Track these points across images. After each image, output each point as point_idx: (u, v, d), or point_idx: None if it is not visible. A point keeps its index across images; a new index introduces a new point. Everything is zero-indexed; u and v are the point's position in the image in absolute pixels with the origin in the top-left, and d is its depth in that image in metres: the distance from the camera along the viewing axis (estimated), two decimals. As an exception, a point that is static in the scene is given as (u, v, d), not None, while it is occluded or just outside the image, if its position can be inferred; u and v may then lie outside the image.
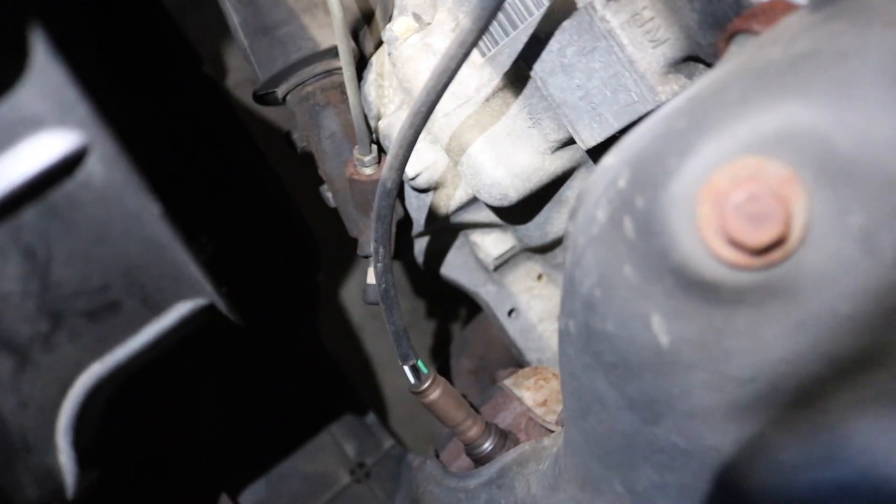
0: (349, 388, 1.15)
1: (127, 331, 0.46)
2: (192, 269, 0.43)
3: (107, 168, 0.38)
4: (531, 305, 0.94)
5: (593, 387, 0.48)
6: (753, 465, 0.43)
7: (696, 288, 0.38)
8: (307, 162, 1.00)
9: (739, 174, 0.35)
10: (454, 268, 0.95)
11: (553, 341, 0.95)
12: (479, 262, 0.92)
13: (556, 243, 0.87)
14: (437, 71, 0.53)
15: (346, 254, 1.19)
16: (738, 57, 0.42)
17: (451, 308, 1.16)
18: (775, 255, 0.36)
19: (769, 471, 0.42)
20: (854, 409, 0.40)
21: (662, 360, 0.42)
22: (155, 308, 0.46)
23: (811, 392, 0.39)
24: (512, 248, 0.88)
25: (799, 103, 0.36)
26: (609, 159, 0.45)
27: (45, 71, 0.39)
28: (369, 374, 1.23)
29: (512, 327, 0.94)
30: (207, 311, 0.50)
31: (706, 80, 0.42)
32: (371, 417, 1.15)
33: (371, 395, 1.18)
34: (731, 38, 0.47)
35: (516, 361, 1.06)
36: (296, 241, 1.01)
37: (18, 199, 0.40)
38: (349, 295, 1.25)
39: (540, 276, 0.94)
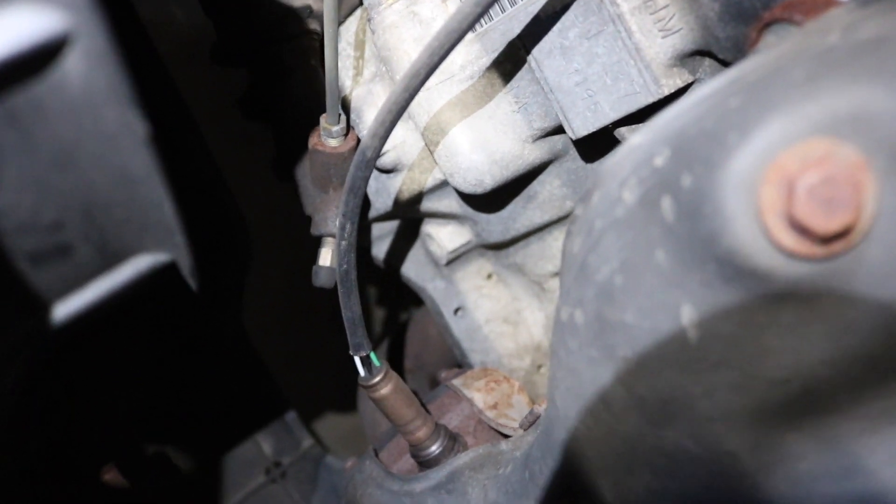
0: (270, 382, 1.07)
1: (72, 284, 0.38)
2: (166, 213, 0.36)
3: (89, 68, 0.31)
4: (479, 305, 0.90)
5: (597, 384, 0.44)
6: (769, 474, 0.40)
7: (742, 278, 0.35)
8: (249, 133, 0.92)
9: (810, 156, 0.33)
10: (401, 259, 0.90)
11: (498, 344, 0.91)
12: (430, 256, 0.88)
13: (513, 241, 0.84)
14: (444, 31, 0.49)
15: (278, 240, 1.11)
16: (785, 44, 0.40)
17: (391, 302, 1.10)
18: (838, 245, 0.33)
19: (786, 480, 0.40)
20: (884, 418, 0.38)
21: (687, 357, 0.39)
22: (110, 259, 0.39)
23: (846, 398, 0.37)
24: (468, 242, 0.84)
25: (873, 86, 0.33)
26: (638, 138, 0.42)
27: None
28: (290, 370, 1.16)
29: (457, 327, 0.90)
30: (164, 272, 0.43)
31: (753, 63, 0.39)
32: (291, 415, 1.08)
33: (292, 392, 1.12)
34: (765, 27, 0.45)
35: (454, 362, 1.01)
36: (222, 222, 0.92)
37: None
38: (275, 284, 1.17)
39: (490, 275, 0.90)
